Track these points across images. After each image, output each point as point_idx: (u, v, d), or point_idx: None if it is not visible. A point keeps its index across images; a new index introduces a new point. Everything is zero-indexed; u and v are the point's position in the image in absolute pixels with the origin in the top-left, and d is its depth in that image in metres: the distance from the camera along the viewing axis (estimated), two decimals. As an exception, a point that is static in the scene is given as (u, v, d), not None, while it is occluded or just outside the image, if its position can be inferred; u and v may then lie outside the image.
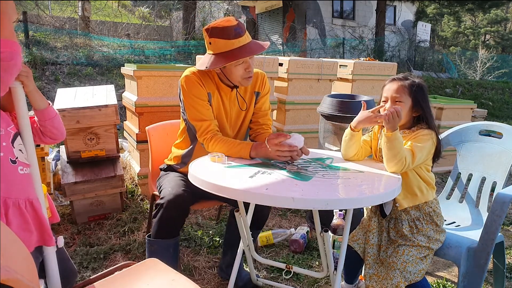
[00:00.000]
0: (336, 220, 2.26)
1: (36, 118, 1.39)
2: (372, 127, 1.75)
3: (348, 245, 1.71)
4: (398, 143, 1.47)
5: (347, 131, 1.67)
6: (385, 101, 1.64)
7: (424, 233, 1.63)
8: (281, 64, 3.78)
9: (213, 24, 1.69)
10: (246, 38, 1.71)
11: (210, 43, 1.71)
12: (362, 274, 1.73)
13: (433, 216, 1.65)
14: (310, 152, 1.85)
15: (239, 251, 1.80)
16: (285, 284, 2.03)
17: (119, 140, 2.93)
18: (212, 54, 1.71)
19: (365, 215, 1.81)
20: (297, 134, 1.63)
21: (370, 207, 1.78)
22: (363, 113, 1.62)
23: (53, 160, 3.12)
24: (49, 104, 1.38)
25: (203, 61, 1.74)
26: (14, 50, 1.10)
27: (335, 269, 1.66)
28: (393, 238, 1.66)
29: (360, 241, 1.74)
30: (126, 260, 2.23)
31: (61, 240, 1.36)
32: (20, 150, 1.28)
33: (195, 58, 1.77)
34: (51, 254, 1.31)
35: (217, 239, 2.48)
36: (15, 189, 1.21)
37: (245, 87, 1.89)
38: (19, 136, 1.29)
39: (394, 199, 1.61)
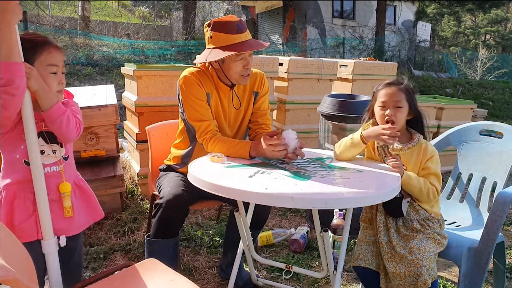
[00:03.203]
0: (336, 220, 2.25)
1: None
2: (368, 123, 1.74)
3: (362, 267, 1.68)
4: (413, 182, 1.56)
5: (356, 139, 1.64)
6: (384, 107, 1.62)
7: (435, 230, 1.63)
8: (281, 64, 3.78)
9: (216, 19, 1.71)
10: (247, 35, 1.72)
11: (211, 37, 1.71)
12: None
13: (438, 215, 1.67)
14: (310, 152, 1.85)
15: (239, 251, 1.79)
16: (285, 284, 2.03)
17: (119, 140, 2.93)
18: (213, 48, 1.72)
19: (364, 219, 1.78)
20: (291, 131, 1.62)
21: (375, 207, 1.73)
22: (376, 128, 1.61)
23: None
24: (53, 106, 1.28)
25: (203, 54, 1.75)
26: (13, 74, 1.11)
27: (335, 269, 1.66)
28: (406, 233, 1.61)
29: (369, 256, 1.68)
30: (126, 260, 2.23)
31: (63, 240, 1.36)
32: (41, 151, 1.31)
33: (195, 58, 1.76)
34: (52, 254, 1.31)
35: (217, 239, 2.48)
36: (25, 186, 1.31)
37: (244, 86, 1.89)
38: (40, 137, 1.32)
39: (412, 198, 1.65)
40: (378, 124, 1.66)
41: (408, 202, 1.62)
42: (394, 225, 1.65)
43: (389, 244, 1.64)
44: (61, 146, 1.39)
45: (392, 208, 1.62)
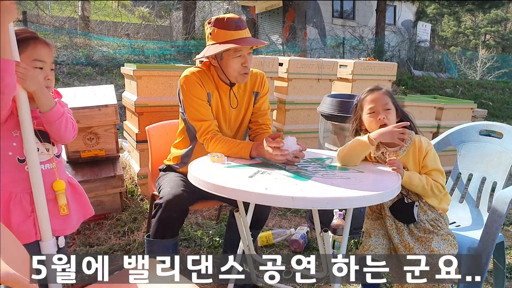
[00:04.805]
0: (336, 220, 2.25)
1: None
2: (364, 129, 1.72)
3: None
4: (415, 181, 1.55)
5: (363, 142, 1.57)
6: (374, 112, 1.61)
7: (446, 231, 1.61)
8: (281, 64, 3.78)
9: (216, 16, 1.74)
10: (246, 33, 1.73)
11: (210, 34, 1.73)
12: None
13: (442, 215, 1.65)
14: (310, 152, 1.85)
15: (239, 251, 1.79)
16: (285, 284, 2.03)
17: (119, 140, 2.93)
18: (211, 44, 1.73)
19: (367, 223, 1.76)
20: (290, 137, 1.61)
21: (382, 211, 1.71)
22: (390, 128, 1.55)
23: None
24: (52, 108, 1.29)
25: (202, 52, 1.77)
26: (2, 71, 1.10)
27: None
28: (420, 235, 1.60)
29: (380, 249, 1.64)
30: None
31: (62, 240, 1.36)
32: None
33: (195, 57, 1.79)
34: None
35: (217, 239, 2.48)
36: (20, 185, 1.30)
37: (244, 86, 1.89)
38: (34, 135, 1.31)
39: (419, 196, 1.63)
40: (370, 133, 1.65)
41: (417, 206, 1.62)
42: (406, 228, 1.62)
43: (403, 246, 1.61)
44: (53, 145, 1.39)
45: (404, 214, 1.61)
